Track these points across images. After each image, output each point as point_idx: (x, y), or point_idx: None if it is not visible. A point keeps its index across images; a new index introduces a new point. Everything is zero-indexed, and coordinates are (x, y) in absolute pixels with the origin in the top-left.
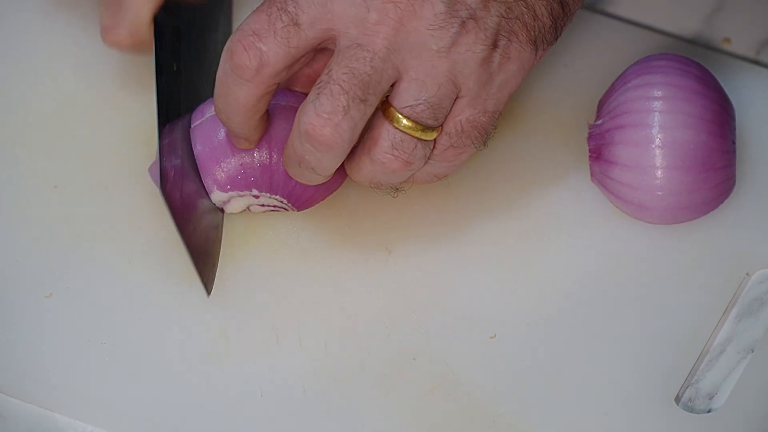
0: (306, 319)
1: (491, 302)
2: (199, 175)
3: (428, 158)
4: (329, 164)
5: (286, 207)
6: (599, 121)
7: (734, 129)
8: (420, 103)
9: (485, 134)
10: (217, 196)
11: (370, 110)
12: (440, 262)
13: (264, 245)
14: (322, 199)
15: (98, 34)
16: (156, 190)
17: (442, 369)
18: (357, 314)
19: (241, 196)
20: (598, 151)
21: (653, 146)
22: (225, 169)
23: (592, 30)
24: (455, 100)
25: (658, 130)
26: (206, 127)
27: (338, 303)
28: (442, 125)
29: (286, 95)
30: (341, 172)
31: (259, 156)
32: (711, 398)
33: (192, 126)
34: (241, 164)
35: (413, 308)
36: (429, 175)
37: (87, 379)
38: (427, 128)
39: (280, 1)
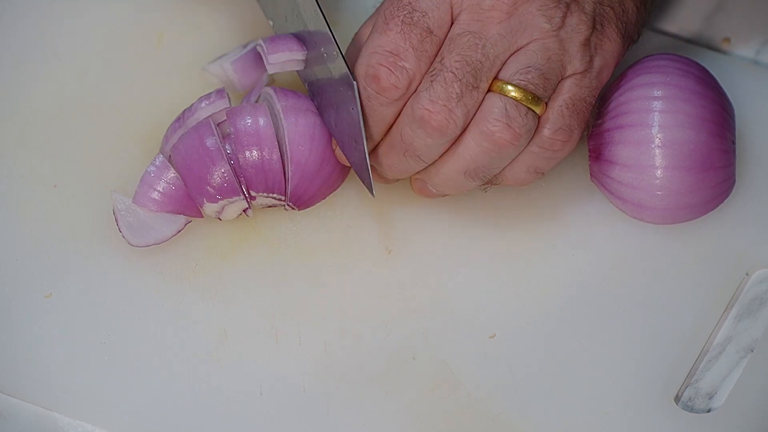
0: (306, 319)
1: (491, 302)
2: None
3: (534, 139)
4: (437, 150)
5: (285, 204)
6: (599, 121)
7: (734, 129)
8: (530, 69)
9: (587, 117)
10: (209, 209)
11: (481, 95)
12: (440, 262)
13: (264, 245)
14: (323, 198)
15: (99, 34)
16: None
17: (442, 369)
18: (357, 314)
19: (233, 202)
20: (598, 151)
21: (653, 146)
22: (212, 180)
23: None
24: (560, 81)
25: (657, 129)
26: (184, 141)
27: (338, 303)
28: (547, 103)
29: (286, 95)
30: (343, 170)
31: (250, 157)
32: (711, 398)
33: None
34: (224, 171)
35: (413, 308)
36: (530, 169)
37: (87, 379)
38: (535, 98)
39: (401, 13)
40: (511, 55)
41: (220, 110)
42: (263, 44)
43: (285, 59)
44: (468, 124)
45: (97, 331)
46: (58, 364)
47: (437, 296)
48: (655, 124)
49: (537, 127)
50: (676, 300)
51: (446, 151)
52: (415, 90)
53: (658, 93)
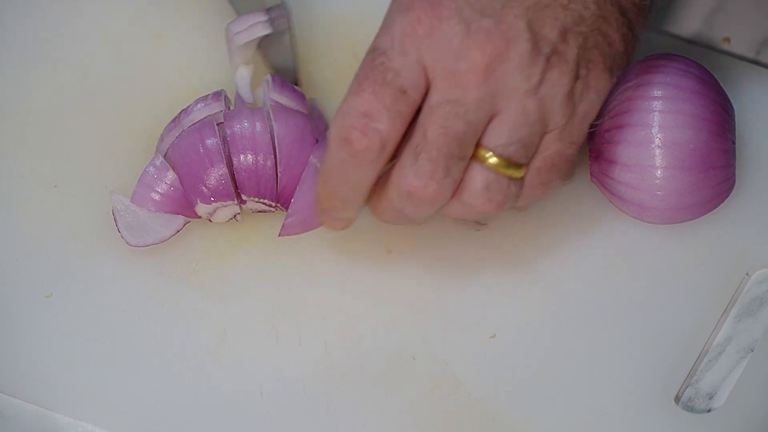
0: (306, 319)
1: (491, 302)
2: None
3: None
4: (429, 214)
5: (275, 210)
6: (599, 121)
7: (734, 129)
8: (513, 143)
9: (572, 167)
10: (201, 209)
11: (466, 163)
12: (440, 262)
13: (264, 245)
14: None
15: (98, 34)
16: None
17: (442, 369)
18: (357, 314)
19: (225, 205)
20: (598, 151)
21: (653, 146)
22: (208, 181)
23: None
24: (542, 136)
25: (658, 129)
26: (185, 140)
27: (338, 303)
28: (528, 163)
29: (282, 88)
30: None
31: (244, 161)
32: (711, 398)
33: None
34: (222, 174)
35: (413, 308)
36: (512, 209)
37: (87, 379)
38: (516, 165)
39: (374, 74)
40: (493, 117)
41: (216, 112)
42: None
43: (250, 23)
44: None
45: (97, 331)
46: (58, 364)
47: (437, 296)
48: (655, 124)
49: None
50: (676, 300)
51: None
52: (391, 151)
53: (658, 93)
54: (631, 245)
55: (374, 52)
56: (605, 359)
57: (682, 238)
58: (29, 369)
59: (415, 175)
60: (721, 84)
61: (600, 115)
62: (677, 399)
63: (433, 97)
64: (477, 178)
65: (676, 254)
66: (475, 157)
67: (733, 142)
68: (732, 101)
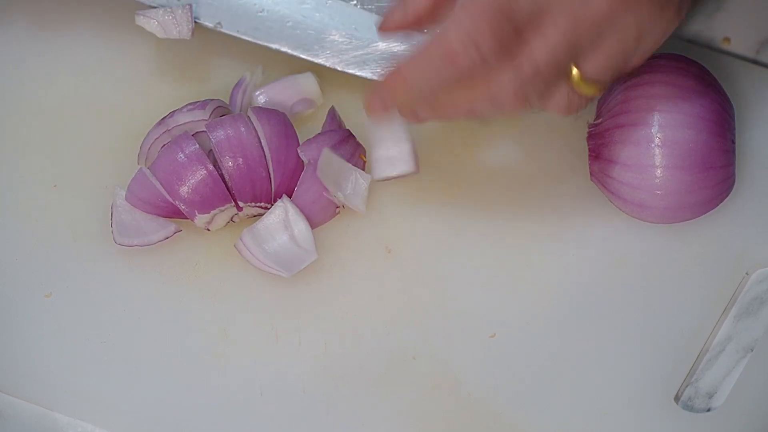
0: (306, 319)
1: (491, 302)
2: None
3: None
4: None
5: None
6: (599, 121)
7: (734, 128)
8: (607, 69)
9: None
10: (201, 220)
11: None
12: (440, 262)
13: None
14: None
15: (99, 35)
16: None
17: (442, 368)
18: (356, 314)
19: (223, 210)
20: (598, 151)
21: (653, 145)
22: (201, 189)
23: None
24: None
25: (658, 129)
26: (169, 153)
27: (338, 303)
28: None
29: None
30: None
31: (235, 167)
32: (710, 397)
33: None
34: (212, 180)
35: (413, 308)
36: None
37: (87, 379)
38: (602, 89)
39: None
40: (595, 47)
41: (198, 120)
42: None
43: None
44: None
45: (97, 331)
46: (58, 364)
47: (437, 296)
48: (655, 124)
49: None
50: (676, 300)
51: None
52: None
53: (658, 93)
54: (631, 245)
55: None
56: (605, 359)
57: (682, 238)
58: (29, 369)
59: (511, 82)
60: (721, 84)
61: (600, 114)
62: (677, 398)
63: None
64: (564, 96)
65: (676, 254)
66: (569, 78)
67: (733, 142)
68: (732, 101)
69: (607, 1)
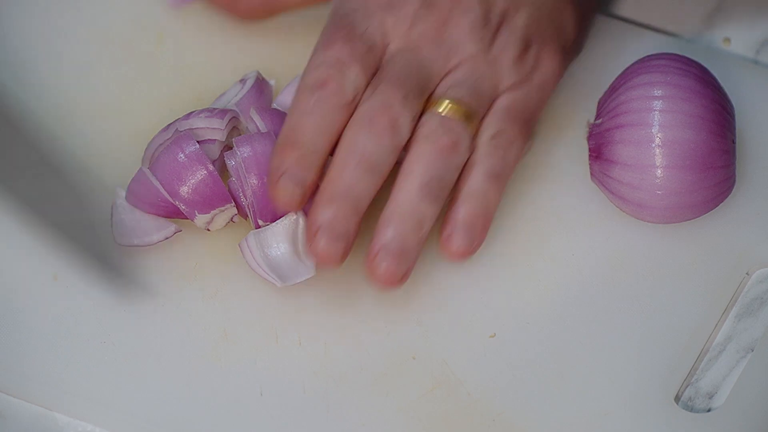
0: (306, 319)
1: (491, 302)
2: None
3: (477, 147)
4: (389, 153)
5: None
6: (599, 120)
7: (734, 128)
8: (463, 86)
9: (529, 126)
10: (201, 220)
11: (421, 105)
12: (440, 262)
13: None
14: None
15: (99, 34)
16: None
17: (441, 368)
18: (357, 314)
19: (223, 210)
20: (598, 150)
21: (653, 145)
22: (201, 189)
23: (593, 30)
24: (495, 99)
25: (658, 129)
26: (169, 153)
27: (338, 302)
28: (482, 118)
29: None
30: None
31: (260, 183)
32: (711, 397)
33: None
34: (214, 181)
35: (413, 308)
36: (488, 175)
37: (87, 379)
38: (467, 113)
39: (343, 30)
40: (444, 75)
41: (214, 128)
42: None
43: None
44: (411, 137)
45: (97, 331)
46: (57, 364)
47: (437, 296)
48: (655, 124)
49: (476, 134)
50: (676, 300)
51: (398, 175)
52: (357, 103)
53: (658, 92)
54: (631, 245)
55: (339, 13)
56: (605, 359)
57: (682, 238)
58: (29, 369)
59: (374, 104)
60: (721, 84)
61: (600, 114)
62: (677, 399)
63: (390, 52)
64: (432, 119)
65: (676, 254)
66: (428, 107)
67: (734, 142)
68: (732, 101)
69: (434, 21)
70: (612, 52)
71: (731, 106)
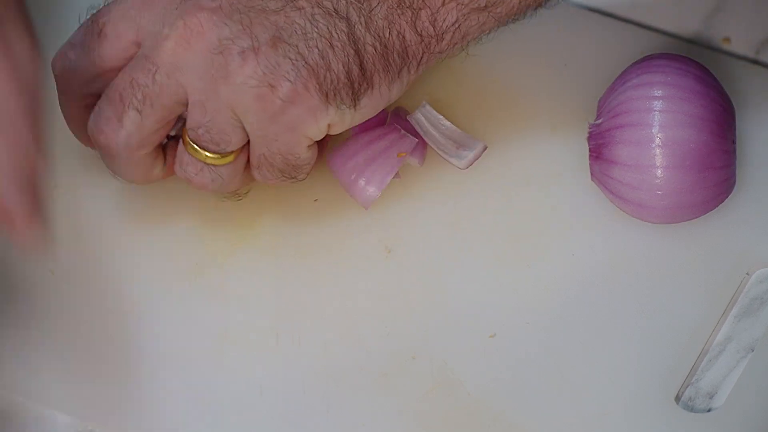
0: (306, 319)
1: (491, 302)
2: None
3: (230, 178)
4: (126, 171)
5: None
6: (599, 121)
7: (734, 128)
8: (200, 127)
9: (289, 173)
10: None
11: (148, 122)
12: (440, 262)
13: (264, 245)
14: None
15: None
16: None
17: (441, 368)
18: (356, 314)
19: None
20: (598, 151)
21: (653, 145)
22: None
23: (592, 30)
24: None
25: (658, 129)
26: None
27: (338, 302)
28: (229, 152)
29: None
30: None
31: None
32: (711, 397)
33: None
34: None
35: (413, 308)
36: (275, 174)
37: (87, 379)
38: (214, 153)
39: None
40: (189, 96)
41: None
42: None
43: None
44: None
45: (96, 331)
46: (57, 364)
47: (437, 296)
48: (655, 124)
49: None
50: (676, 300)
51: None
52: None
53: (658, 93)
54: (631, 245)
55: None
56: (605, 359)
57: (682, 238)
58: (29, 369)
59: (94, 117)
60: (721, 84)
61: (600, 115)
62: (677, 399)
63: (138, 53)
64: (179, 153)
65: (676, 254)
66: (184, 138)
67: (734, 142)
68: (732, 101)
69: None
70: (612, 53)
71: (731, 106)
